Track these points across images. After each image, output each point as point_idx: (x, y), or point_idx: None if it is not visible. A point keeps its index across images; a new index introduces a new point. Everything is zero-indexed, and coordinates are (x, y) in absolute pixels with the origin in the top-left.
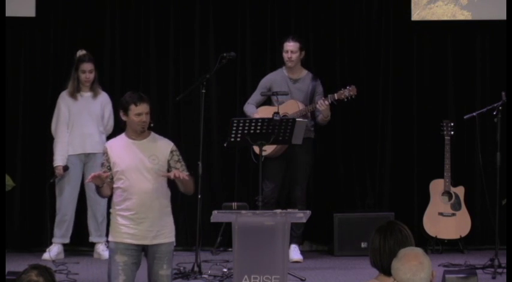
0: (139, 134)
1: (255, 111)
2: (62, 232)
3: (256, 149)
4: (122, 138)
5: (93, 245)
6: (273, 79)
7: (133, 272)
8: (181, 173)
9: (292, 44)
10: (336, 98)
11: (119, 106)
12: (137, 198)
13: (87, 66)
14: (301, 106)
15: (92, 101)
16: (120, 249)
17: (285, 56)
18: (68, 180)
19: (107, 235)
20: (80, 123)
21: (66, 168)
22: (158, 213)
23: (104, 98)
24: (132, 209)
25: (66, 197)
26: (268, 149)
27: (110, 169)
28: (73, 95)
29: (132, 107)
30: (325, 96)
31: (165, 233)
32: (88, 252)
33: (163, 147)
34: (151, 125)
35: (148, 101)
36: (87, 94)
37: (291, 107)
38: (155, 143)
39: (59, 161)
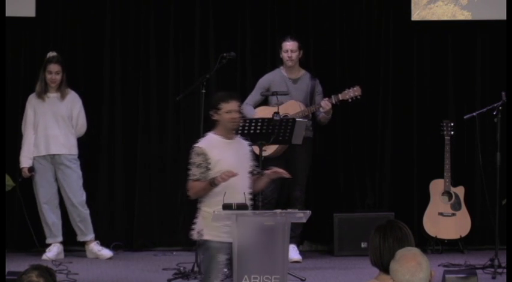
0: (231, 133)
1: (254, 112)
2: (52, 232)
3: (255, 149)
4: (214, 138)
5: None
6: (271, 79)
7: None
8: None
9: (292, 43)
10: (340, 98)
11: (210, 105)
12: (241, 197)
13: (54, 67)
14: (302, 107)
15: (58, 103)
16: (224, 249)
17: (285, 55)
18: (41, 182)
19: (110, 235)
20: (45, 124)
21: (31, 169)
22: None
23: (71, 98)
24: None
25: (42, 197)
26: (269, 150)
27: (207, 170)
28: (40, 95)
29: (223, 104)
30: (328, 96)
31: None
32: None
33: (247, 146)
34: (241, 123)
35: (238, 99)
36: (54, 95)
37: (291, 108)
38: (243, 142)
39: (23, 162)
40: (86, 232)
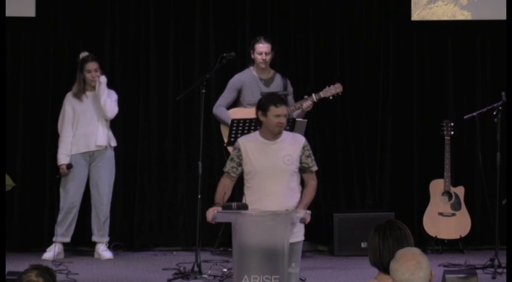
0: (275, 135)
1: (228, 113)
2: (63, 231)
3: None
4: (256, 137)
5: (94, 244)
6: (242, 80)
7: None
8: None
9: (266, 45)
10: (322, 96)
11: (258, 106)
12: (270, 200)
13: (93, 65)
14: None
15: (98, 101)
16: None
17: (259, 57)
18: (73, 179)
19: (110, 235)
20: (85, 122)
21: (69, 166)
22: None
23: (110, 94)
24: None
25: (71, 196)
26: None
27: (239, 165)
28: (77, 95)
29: (272, 108)
30: (308, 94)
31: (295, 232)
32: (88, 252)
33: (296, 144)
34: (288, 127)
35: (287, 104)
36: (92, 94)
37: None
38: (289, 142)
39: (62, 159)
40: (105, 233)
